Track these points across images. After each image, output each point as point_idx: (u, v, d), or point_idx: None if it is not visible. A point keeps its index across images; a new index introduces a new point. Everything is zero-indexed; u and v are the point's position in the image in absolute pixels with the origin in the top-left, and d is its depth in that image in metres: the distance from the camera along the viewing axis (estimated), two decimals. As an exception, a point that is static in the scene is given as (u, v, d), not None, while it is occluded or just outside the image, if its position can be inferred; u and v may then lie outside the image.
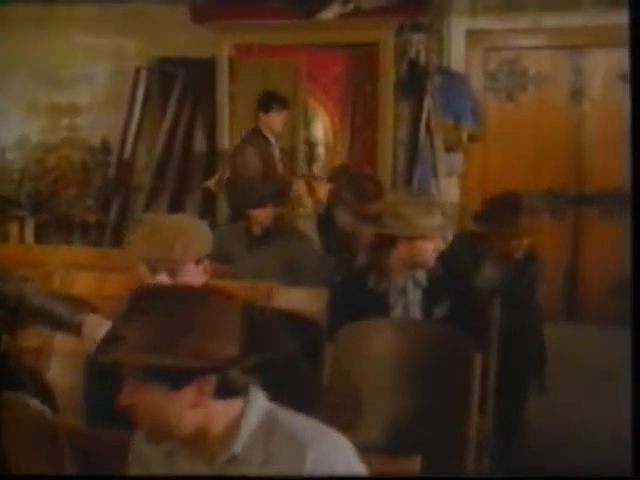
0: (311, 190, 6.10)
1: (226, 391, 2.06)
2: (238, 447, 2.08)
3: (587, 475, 3.25)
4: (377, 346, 3.55)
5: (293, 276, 4.81)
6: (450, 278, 3.98)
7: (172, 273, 3.02)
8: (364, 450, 2.16)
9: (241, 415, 2.09)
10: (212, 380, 2.02)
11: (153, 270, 3.02)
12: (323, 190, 5.79)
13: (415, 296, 3.88)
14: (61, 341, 3.65)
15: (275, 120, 6.45)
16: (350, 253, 4.84)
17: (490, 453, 3.81)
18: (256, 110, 6.59)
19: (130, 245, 3.15)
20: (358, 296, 3.85)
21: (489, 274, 4.67)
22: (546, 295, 5.19)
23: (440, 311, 3.87)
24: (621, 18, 7.19)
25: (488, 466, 3.75)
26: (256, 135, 6.49)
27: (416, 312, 3.88)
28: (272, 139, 6.49)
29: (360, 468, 2.11)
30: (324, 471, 2.06)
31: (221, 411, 2.07)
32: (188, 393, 2.02)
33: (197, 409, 2.03)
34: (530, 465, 4.43)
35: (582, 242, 7.63)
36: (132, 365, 2.03)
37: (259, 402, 2.13)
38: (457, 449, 3.29)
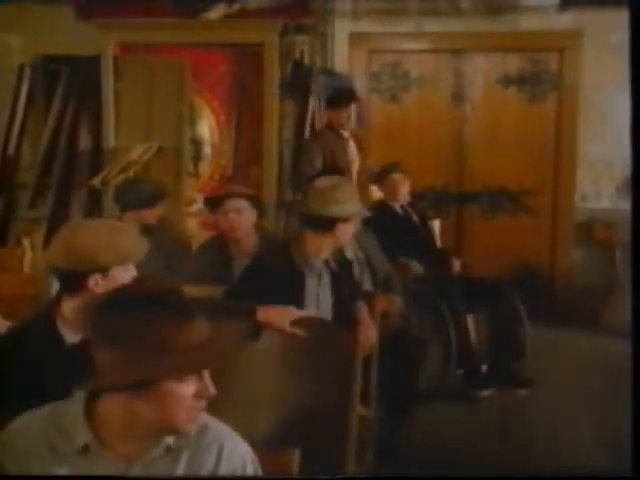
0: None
1: None
2: (170, 438, 2.05)
3: (587, 475, 3.36)
4: (261, 339, 3.61)
5: (173, 277, 4.82)
6: (347, 262, 4.32)
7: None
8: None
9: None
10: None
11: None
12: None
13: (327, 280, 4.09)
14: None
15: (342, 116, 6.57)
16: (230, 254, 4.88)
17: (374, 447, 3.90)
18: (326, 107, 6.85)
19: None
20: (283, 272, 4.02)
21: None
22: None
23: (346, 293, 4.12)
24: (498, 25, 7.43)
25: (371, 460, 3.82)
26: (330, 131, 6.63)
27: (327, 294, 4.08)
28: (345, 134, 6.63)
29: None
30: (238, 461, 2.11)
31: None
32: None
33: None
34: (420, 462, 4.45)
35: (465, 239, 7.80)
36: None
37: None
38: (338, 443, 3.35)
